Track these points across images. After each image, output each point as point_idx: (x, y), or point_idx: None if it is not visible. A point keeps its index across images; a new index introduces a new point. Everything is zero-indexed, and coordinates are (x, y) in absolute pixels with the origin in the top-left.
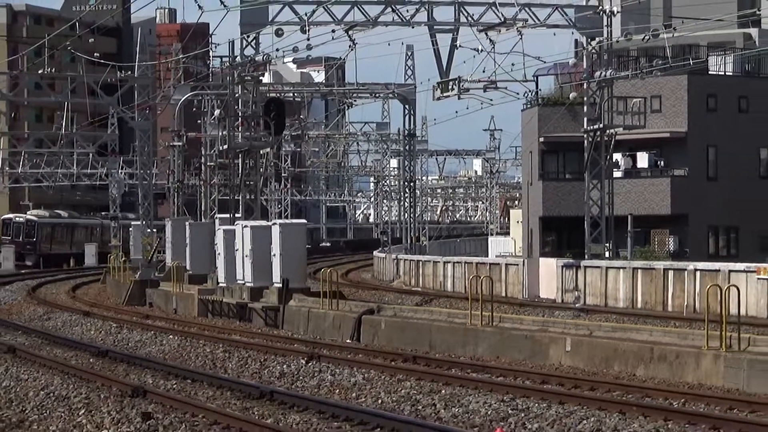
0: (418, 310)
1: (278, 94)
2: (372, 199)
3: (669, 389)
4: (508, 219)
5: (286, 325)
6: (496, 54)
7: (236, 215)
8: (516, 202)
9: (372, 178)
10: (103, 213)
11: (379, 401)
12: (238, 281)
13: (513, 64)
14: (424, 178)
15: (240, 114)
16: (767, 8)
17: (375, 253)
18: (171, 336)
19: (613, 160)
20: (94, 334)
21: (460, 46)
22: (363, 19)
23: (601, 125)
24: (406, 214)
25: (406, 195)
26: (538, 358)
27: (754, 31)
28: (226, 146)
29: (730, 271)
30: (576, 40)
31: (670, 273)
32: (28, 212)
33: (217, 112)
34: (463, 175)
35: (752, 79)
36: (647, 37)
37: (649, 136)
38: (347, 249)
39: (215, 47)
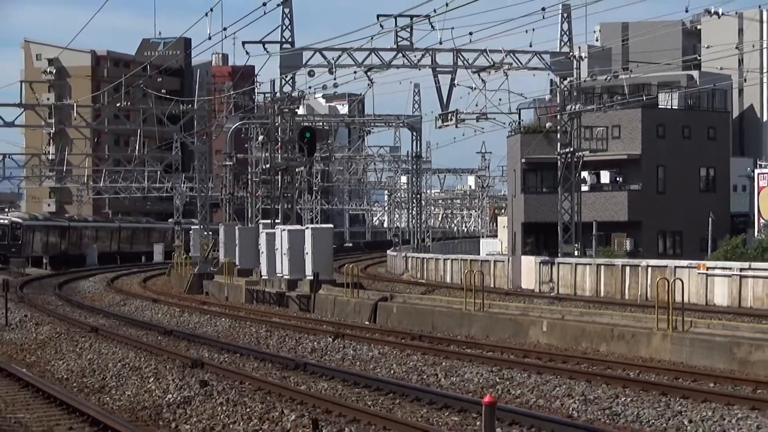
0: (423, 298)
1: (310, 123)
2: (386, 208)
3: (626, 362)
4: (496, 224)
5: (316, 310)
6: (487, 91)
7: (276, 221)
8: (502, 211)
9: (386, 191)
10: (67, 215)
11: (392, 371)
12: (278, 274)
13: (500, 99)
14: (428, 191)
15: (279, 139)
16: (706, 55)
17: (388, 251)
18: (223, 318)
19: (581, 177)
20: (161, 317)
21: (457, 84)
22: (379, 62)
23: (572, 149)
24: (414, 221)
25: (414, 205)
26: (520, 336)
27: (695, 73)
28: (268, 165)
29: (675, 267)
30: (551, 80)
31: (627, 268)
32: (10, 213)
33: (260, 137)
34: (460, 189)
35: (693, 112)
36: (609, 78)
37: (610, 158)
38: (366, 249)
39: (259, 85)
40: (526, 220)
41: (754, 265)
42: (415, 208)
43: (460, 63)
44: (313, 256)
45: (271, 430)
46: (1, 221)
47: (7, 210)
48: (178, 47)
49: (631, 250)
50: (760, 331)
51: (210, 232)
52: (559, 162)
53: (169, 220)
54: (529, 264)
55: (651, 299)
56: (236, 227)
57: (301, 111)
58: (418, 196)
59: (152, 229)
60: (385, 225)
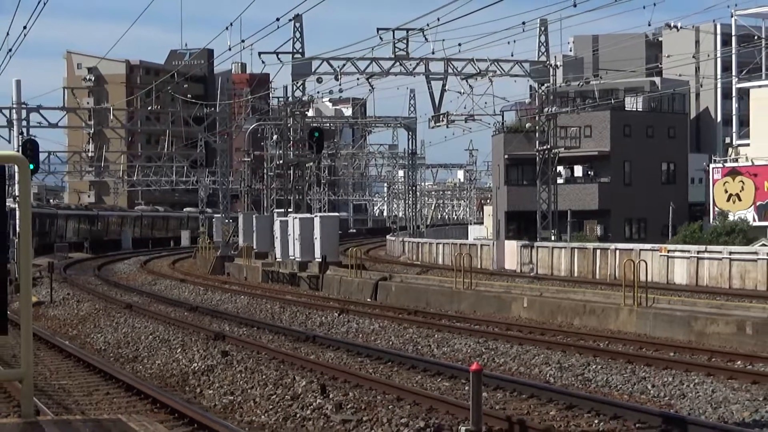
0: (418, 278)
1: (318, 124)
2: (385, 198)
3: (597, 334)
4: (483, 213)
5: (324, 289)
6: (474, 95)
7: (289, 210)
8: (488, 201)
9: (385, 184)
10: (53, 203)
11: (391, 343)
12: (290, 257)
13: (486, 103)
14: (422, 184)
15: (291, 138)
16: (667, 63)
17: (387, 237)
18: (242, 296)
19: (557, 171)
20: (187, 295)
21: (448, 89)
22: (379, 70)
23: (549, 146)
24: (410, 210)
25: (410, 196)
26: (504, 311)
27: (657, 80)
28: (281, 161)
29: (640, 249)
30: (530, 86)
31: (598, 251)
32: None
33: (275, 136)
34: (450, 182)
35: (656, 114)
36: (581, 84)
37: (583, 154)
38: (368, 234)
39: (274, 90)
40: (508, 209)
41: (710, 248)
42: (411, 199)
43: (450, 71)
44: (321, 241)
45: (284, 395)
46: None
47: (51, 200)
48: (202, 57)
49: (601, 236)
50: (715, 307)
51: (230, 220)
52: (537, 158)
53: (184, 209)
54: (511, 248)
55: (619, 278)
56: (253, 216)
57: (310, 113)
58: (414, 188)
59: (125, 217)
60: (385, 213)
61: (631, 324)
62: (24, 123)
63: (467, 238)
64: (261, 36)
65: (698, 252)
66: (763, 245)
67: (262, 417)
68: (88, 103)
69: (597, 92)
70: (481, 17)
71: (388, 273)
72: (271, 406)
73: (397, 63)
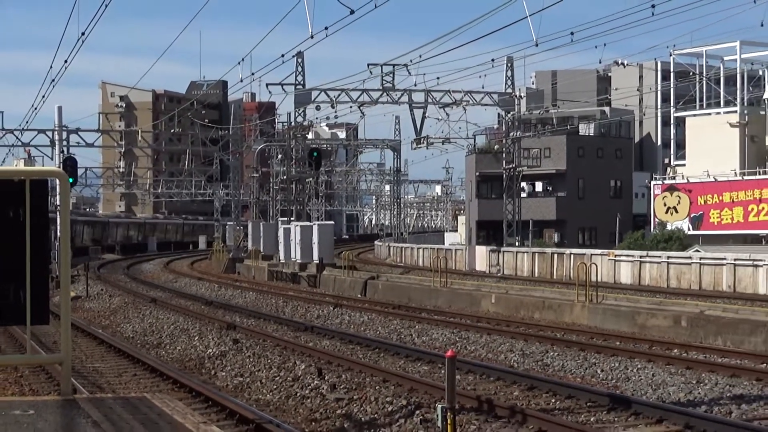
0: (401, 277)
1: (317, 145)
2: (374, 209)
3: (554, 326)
4: (457, 222)
5: (321, 286)
6: (450, 121)
7: (291, 219)
8: (461, 212)
9: (374, 197)
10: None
11: (378, 332)
12: (292, 259)
13: (460, 128)
14: (405, 196)
15: (293, 157)
16: (615, 95)
17: (375, 242)
18: (251, 292)
19: (521, 187)
20: (204, 291)
21: (428, 116)
22: (368, 99)
23: (514, 165)
24: (395, 219)
25: (395, 207)
26: (475, 306)
27: (607, 109)
28: (285, 177)
29: (591, 254)
30: (498, 113)
31: (555, 255)
32: None
33: (279, 156)
34: (429, 195)
35: (605, 138)
36: (542, 112)
37: (543, 172)
38: (358, 240)
39: (279, 116)
40: (479, 218)
41: (651, 253)
42: (395, 210)
43: (430, 100)
44: (318, 245)
45: (287, 377)
46: None
47: (87, 209)
48: (217, 88)
49: (558, 242)
50: (655, 303)
51: (241, 227)
52: (504, 175)
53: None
54: (481, 252)
55: (573, 279)
56: (261, 223)
57: (310, 136)
58: (398, 200)
59: (99, 222)
60: (373, 222)
61: (584, 317)
62: (64, 143)
63: (444, 244)
64: (268, 70)
65: (641, 256)
66: (696, 251)
67: (268, 396)
68: (119, 126)
69: (555, 119)
70: (456, 55)
71: (375, 273)
72: (275, 387)
73: (385, 93)
